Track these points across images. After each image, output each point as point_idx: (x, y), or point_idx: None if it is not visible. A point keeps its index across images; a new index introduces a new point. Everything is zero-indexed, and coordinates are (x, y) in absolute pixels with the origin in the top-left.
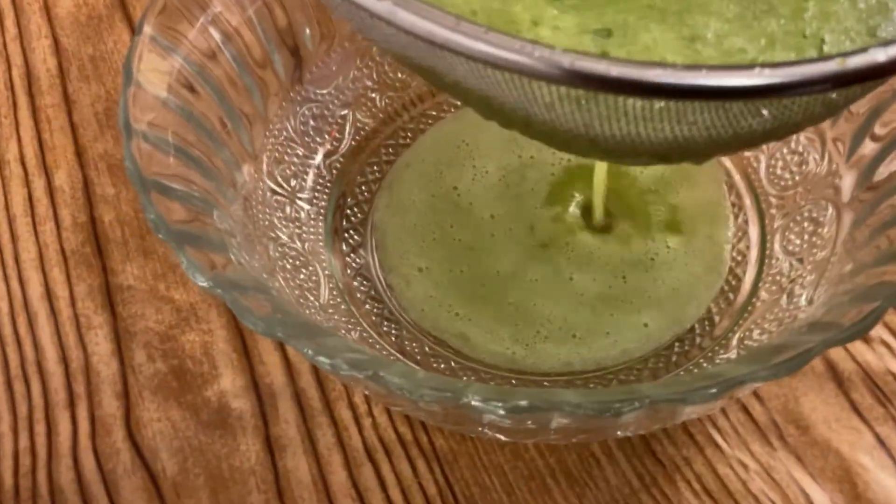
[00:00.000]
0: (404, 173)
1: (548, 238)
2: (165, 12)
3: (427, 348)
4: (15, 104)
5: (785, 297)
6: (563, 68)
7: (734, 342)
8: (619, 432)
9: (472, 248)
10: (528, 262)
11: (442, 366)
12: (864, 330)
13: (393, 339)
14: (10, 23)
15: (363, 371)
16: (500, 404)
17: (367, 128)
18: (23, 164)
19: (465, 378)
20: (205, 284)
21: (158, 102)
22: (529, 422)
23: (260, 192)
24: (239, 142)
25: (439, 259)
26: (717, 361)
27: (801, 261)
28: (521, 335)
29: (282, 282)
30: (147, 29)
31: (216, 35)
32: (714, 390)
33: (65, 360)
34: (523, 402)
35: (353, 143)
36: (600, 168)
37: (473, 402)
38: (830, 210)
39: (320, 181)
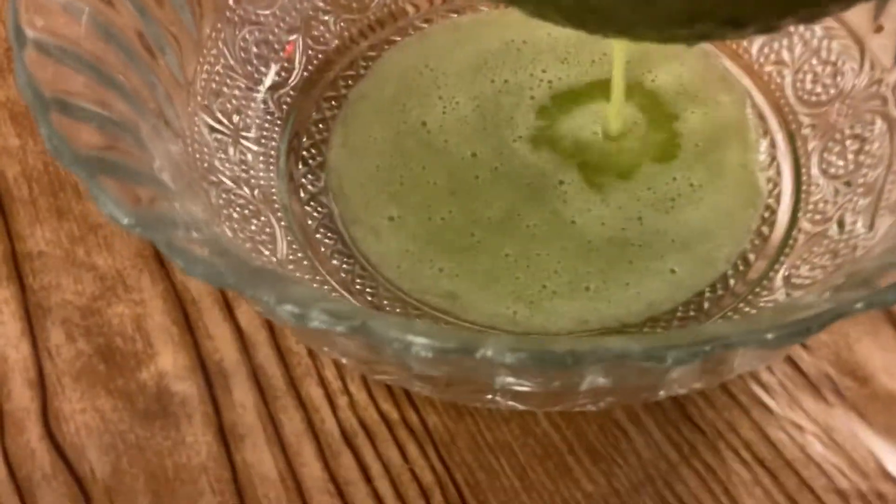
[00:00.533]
0: (361, 107)
1: (539, 176)
2: None
3: (411, 310)
4: None
5: (835, 226)
6: None
7: (778, 282)
8: (661, 392)
9: (454, 193)
10: (521, 205)
11: None
12: None
13: (368, 298)
14: None
15: (347, 321)
16: (525, 356)
17: (319, 56)
18: None
19: None
20: (126, 221)
21: (60, 7)
22: (558, 382)
23: (196, 129)
24: (166, 66)
25: (413, 206)
26: (762, 305)
27: (848, 184)
28: (524, 291)
29: (228, 232)
30: None
31: None
32: (805, 326)
33: None
34: (561, 350)
35: (304, 73)
36: (618, 65)
37: (491, 354)
38: (879, 123)
39: (268, 118)
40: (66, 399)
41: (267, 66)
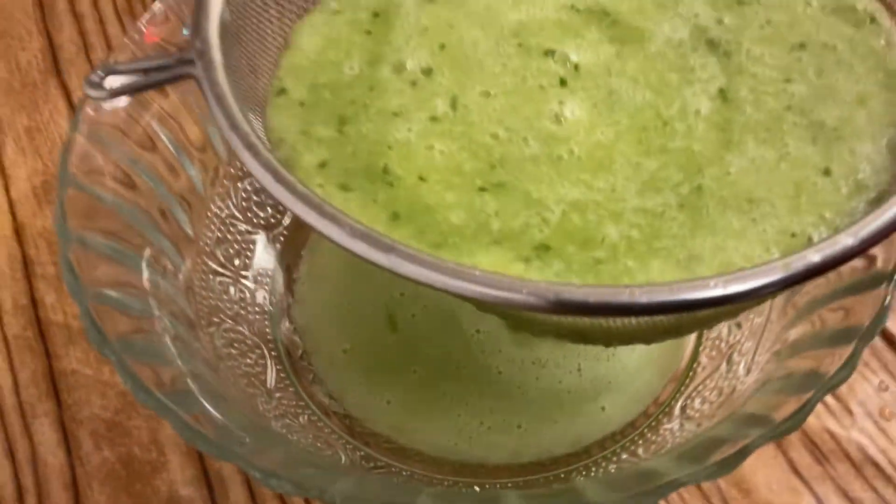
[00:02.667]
0: (322, 239)
1: (458, 324)
2: (100, 107)
3: (365, 441)
4: None
5: (724, 363)
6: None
7: (677, 410)
8: None
9: (395, 330)
10: (452, 347)
11: (374, 465)
12: (798, 424)
13: (346, 423)
14: None
15: (307, 491)
16: None
17: None
18: None
19: (405, 474)
20: (147, 403)
21: (95, 201)
22: None
23: (202, 276)
24: (179, 227)
25: (361, 340)
26: (661, 431)
27: (739, 325)
28: (464, 427)
29: (226, 371)
30: (83, 125)
31: (153, 123)
32: (652, 497)
33: (11, 452)
34: None
35: None
36: None
37: None
38: None
39: (265, 257)
40: (95, 501)
41: (263, 210)
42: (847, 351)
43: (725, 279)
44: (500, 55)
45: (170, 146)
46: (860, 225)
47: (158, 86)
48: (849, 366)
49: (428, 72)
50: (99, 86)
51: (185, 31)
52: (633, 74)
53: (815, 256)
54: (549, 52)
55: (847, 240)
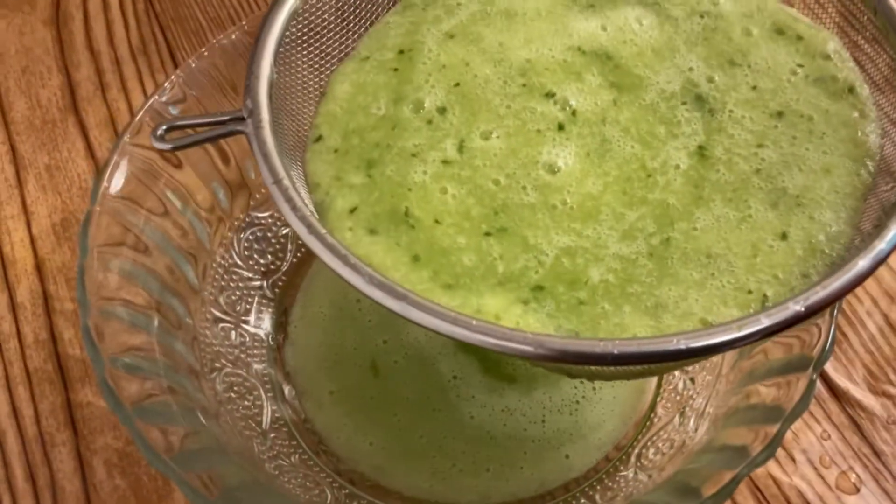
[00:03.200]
0: (317, 281)
1: (437, 370)
2: (115, 180)
3: (350, 480)
4: None
5: (678, 416)
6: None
7: (633, 458)
8: None
9: (377, 375)
10: (430, 391)
11: (358, 503)
12: (723, 500)
13: (329, 458)
14: None
15: None
16: None
17: None
18: None
19: None
20: (160, 467)
21: (112, 269)
22: None
23: (206, 325)
24: (185, 281)
25: (346, 384)
26: (617, 478)
27: (693, 380)
28: (438, 468)
29: (226, 415)
30: (101, 197)
31: (166, 192)
32: None
33: (32, 478)
34: None
35: (294, 259)
36: None
37: None
38: None
39: (264, 301)
40: None
41: (264, 257)
42: (773, 430)
43: (687, 337)
44: (506, 95)
45: (180, 209)
46: (808, 294)
47: (213, 140)
48: (772, 447)
49: (442, 110)
50: (162, 139)
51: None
52: (626, 124)
53: (766, 321)
54: (551, 95)
55: (795, 307)
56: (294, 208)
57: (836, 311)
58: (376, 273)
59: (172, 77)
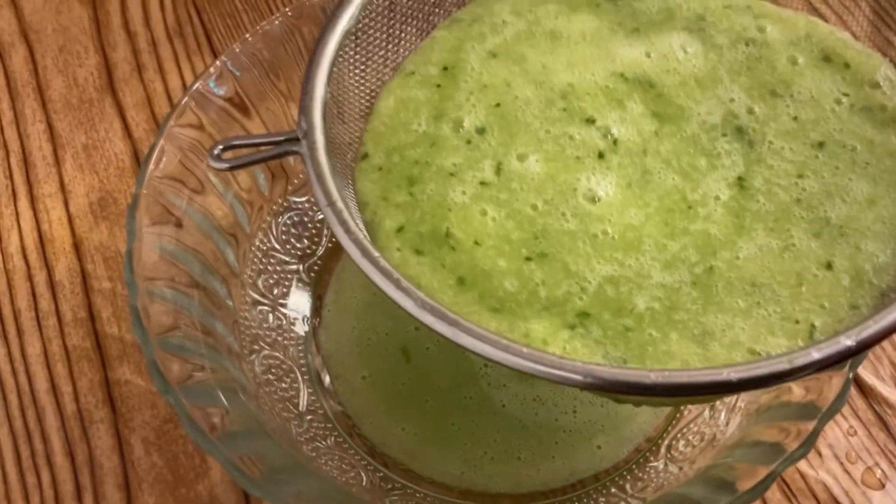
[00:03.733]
0: (349, 265)
1: (477, 368)
2: (161, 163)
3: (384, 463)
4: (14, 193)
5: (708, 410)
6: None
7: (663, 449)
8: None
9: (409, 360)
10: (461, 379)
11: (392, 486)
12: (757, 496)
13: (364, 441)
14: (5, 105)
15: None
16: None
17: None
18: (24, 257)
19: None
20: (207, 447)
21: (157, 250)
22: None
23: (245, 307)
24: (226, 263)
25: (378, 369)
26: (647, 468)
27: None
28: (469, 455)
29: (264, 396)
30: (147, 179)
31: (209, 175)
32: None
33: (71, 454)
34: None
35: (329, 244)
36: None
37: None
38: None
39: (300, 285)
40: (145, 501)
41: (300, 241)
42: (809, 427)
43: (737, 370)
44: (546, 119)
45: (221, 191)
46: (860, 329)
47: (269, 160)
48: (808, 444)
49: (481, 130)
50: (219, 158)
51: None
52: (667, 156)
53: (816, 354)
54: (591, 121)
55: (847, 341)
56: (347, 231)
57: None
58: (428, 298)
59: (217, 63)
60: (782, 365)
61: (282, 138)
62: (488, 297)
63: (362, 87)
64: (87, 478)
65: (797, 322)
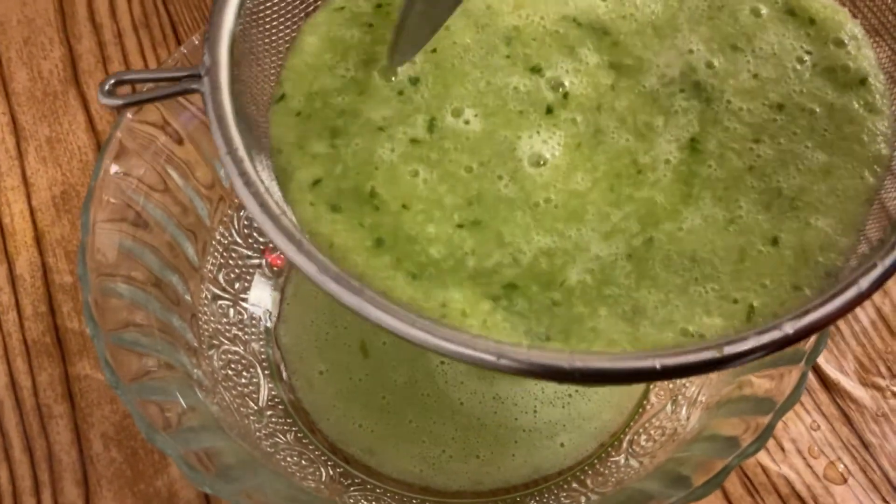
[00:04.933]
0: None
1: (434, 365)
2: (119, 156)
3: (344, 458)
4: None
5: (670, 404)
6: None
7: (625, 444)
8: None
9: (367, 355)
10: (417, 375)
11: (352, 482)
12: (710, 490)
13: (324, 437)
14: None
15: None
16: None
17: None
18: None
19: (379, 491)
20: (157, 443)
21: (113, 245)
22: None
23: (205, 302)
24: (185, 258)
25: (336, 364)
26: (609, 463)
27: None
28: (428, 454)
29: (223, 392)
30: (102, 174)
31: (168, 168)
32: None
33: (30, 449)
34: None
35: None
36: None
37: None
38: None
39: (262, 279)
40: (103, 497)
41: (263, 235)
42: (765, 421)
43: (662, 356)
44: (487, 67)
45: (181, 185)
46: (798, 317)
47: (166, 98)
48: (762, 438)
49: (415, 81)
50: (111, 94)
51: None
52: (623, 113)
53: (752, 342)
54: (538, 70)
55: (784, 330)
56: (247, 183)
57: None
58: (331, 263)
59: (175, 54)
60: (711, 353)
61: (183, 74)
62: (407, 262)
63: (281, 21)
64: (45, 473)
65: (735, 301)
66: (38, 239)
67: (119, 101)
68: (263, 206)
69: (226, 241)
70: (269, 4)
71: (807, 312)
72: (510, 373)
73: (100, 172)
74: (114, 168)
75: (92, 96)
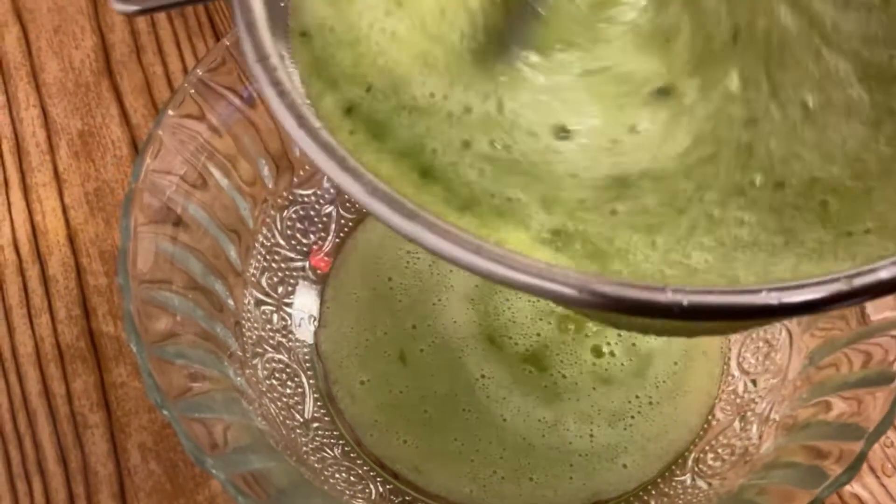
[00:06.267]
0: (350, 258)
1: (474, 378)
2: (158, 156)
3: (393, 474)
4: (6, 182)
5: (738, 421)
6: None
7: (690, 462)
8: None
9: (405, 363)
10: (463, 393)
11: (402, 500)
12: None
13: (372, 450)
14: None
15: None
16: None
17: (350, 222)
18: (16, 249)
19: None
20: (207, 467)
21: (154, 249)
22: None
23: (248, 308)
24: (228, 262)
25: (376, 374)
26: (674, 483)
27: (754, 382)
28: (478, 474)
29: (268, 403)
30: (143, 175)
31: (209, 166)
32: None
33: (64, 461)
34: None
35: (336, 240)
36: None
37: None
38: (784, 333)
39: (306, 283)
40: None
41: (307, 237)
42: (854, 448)
43: (779, 289)
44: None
45: (223, 184)
46: None
47: (189, 4)
48: (853, 468)
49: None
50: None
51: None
52: None
53: (885, 274)
54: None
55: None
56: (282, 93)
57: None
58: (381, 182)
59: (216, 47)
60: (838, 286)
61: None
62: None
63: None
64: (80, 486)
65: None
66: (72, 238)
67: (134, 7)
68: (301, 119)
69: (269, 244)
70: None
71: None
72: (593, 309)
73: (140, 173)
74: (154, 167)
75: (125, 88)
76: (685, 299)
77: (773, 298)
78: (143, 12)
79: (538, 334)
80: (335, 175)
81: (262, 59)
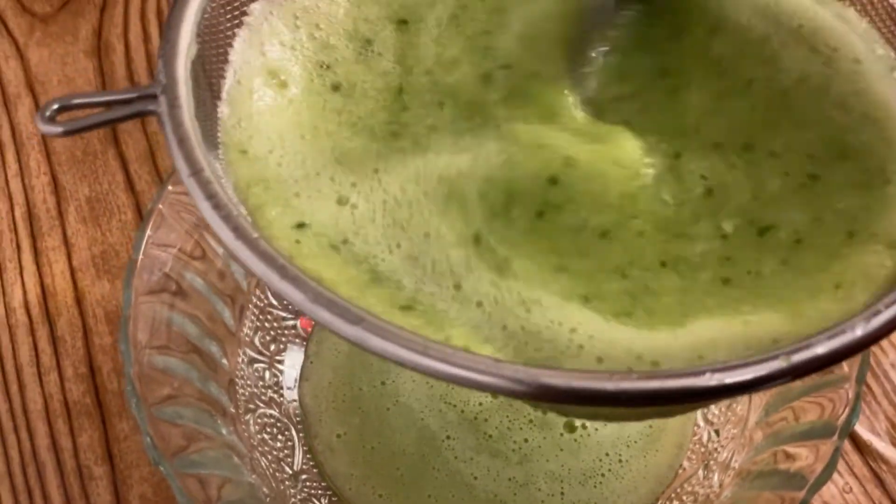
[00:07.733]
0: None
1: (440, 440)
2: (159, 227)
3: None
4: (19, 247)
5: (702, 469)
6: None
7: None
8: None
9: (377, 421)
10: (430, 454)
11: None
12: None
13: (354, 501)
14: (10, 157)
15: None
16: None
17: None
18: (27, 311)
19: None
20: None
21: (153, 317)
22: None
23: (241, 367)
24: (223, 325)
25: (352, 427)
26: None
27: (717, 432)
28: None
29: (259, 457)
30: (144, 247)
31: (206, 236)
32: None
33: None
34: None
35: None
36: None
37: None
38: None
39: (297, 340)
40: None
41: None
42: (797, 497)
43: (720, 370)
44: None
45: (218, 251)
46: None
47: (116, 122)
48: None
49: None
50: (52, 120)
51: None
52: None
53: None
54: None
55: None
56: (217, 206)
57: (863, 377)
58: (325, 289)
59: None
60: (778, 364)
61: (135, 95)
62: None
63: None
64: None
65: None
66: (79, 300)
67: (60, 129)
68: (238, 230)
69: (262, 304)
70: (228, 22)
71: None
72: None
73: (141, 246)
74: (154, 240)
75: (130, 156)
76: (631, 386)
77: (714, 380)
78: (67, 133)
79: (486, 400)
80: (275, 284)
81: (195, 172)
